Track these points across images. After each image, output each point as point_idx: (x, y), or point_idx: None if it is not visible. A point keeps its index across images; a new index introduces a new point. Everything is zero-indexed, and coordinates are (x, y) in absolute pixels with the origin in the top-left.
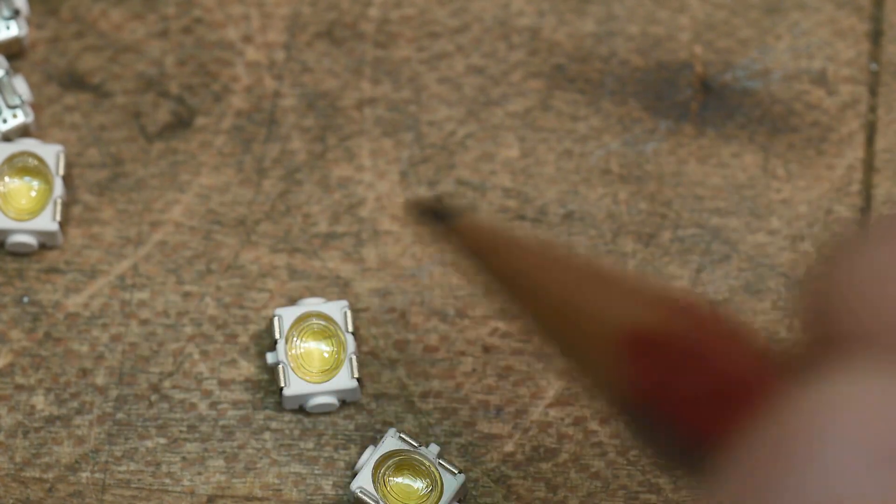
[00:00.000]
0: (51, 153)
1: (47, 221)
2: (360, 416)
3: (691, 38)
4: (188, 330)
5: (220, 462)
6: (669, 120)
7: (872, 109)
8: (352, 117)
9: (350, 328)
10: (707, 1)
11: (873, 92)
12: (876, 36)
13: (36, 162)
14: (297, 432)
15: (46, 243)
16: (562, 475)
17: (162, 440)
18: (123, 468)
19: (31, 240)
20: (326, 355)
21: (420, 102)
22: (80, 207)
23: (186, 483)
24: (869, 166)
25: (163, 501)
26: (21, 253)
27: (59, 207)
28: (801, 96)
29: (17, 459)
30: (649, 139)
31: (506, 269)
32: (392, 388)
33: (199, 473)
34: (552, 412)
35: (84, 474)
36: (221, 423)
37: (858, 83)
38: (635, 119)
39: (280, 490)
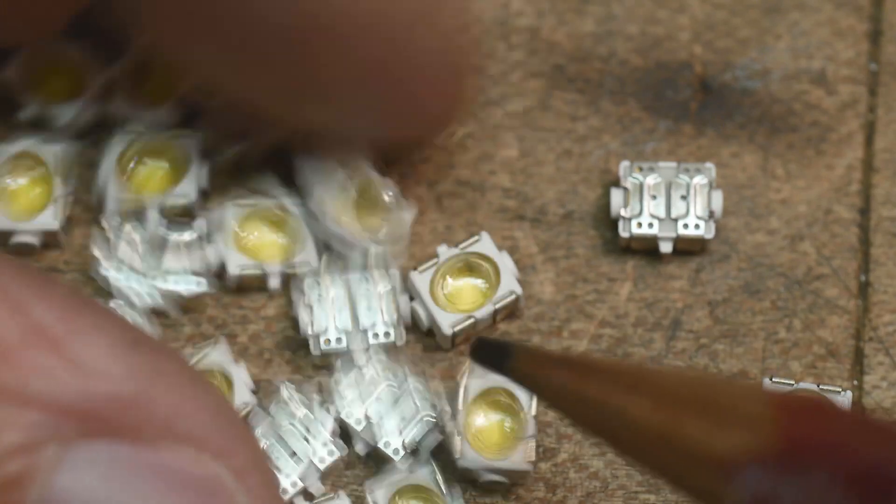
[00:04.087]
0: (49, 153)
1: (49, 220)
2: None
3: (691, 38)
4: (187, 330)
5: None
6: (669, 120)
7: (872, 109)
8: None
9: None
10: (707, 1)
11: (872, 92)
12: (875, 36)
13: (34, 162)
14: None
15: (49, 242)
16: (561, 475)
17: None
18: None
19: (33, 240)
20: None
21: None
22: (81, 207)
23: None
24: (868, 166)
25: None
26: (24, 253)
27: (61, 205)
28: (800, 96)
29: None
30: (649, 139)
31: (580, 400)
32: None
33: None
34: (552, 412)
35: None
36: None
37: (858, 83)
38: (635, 119)
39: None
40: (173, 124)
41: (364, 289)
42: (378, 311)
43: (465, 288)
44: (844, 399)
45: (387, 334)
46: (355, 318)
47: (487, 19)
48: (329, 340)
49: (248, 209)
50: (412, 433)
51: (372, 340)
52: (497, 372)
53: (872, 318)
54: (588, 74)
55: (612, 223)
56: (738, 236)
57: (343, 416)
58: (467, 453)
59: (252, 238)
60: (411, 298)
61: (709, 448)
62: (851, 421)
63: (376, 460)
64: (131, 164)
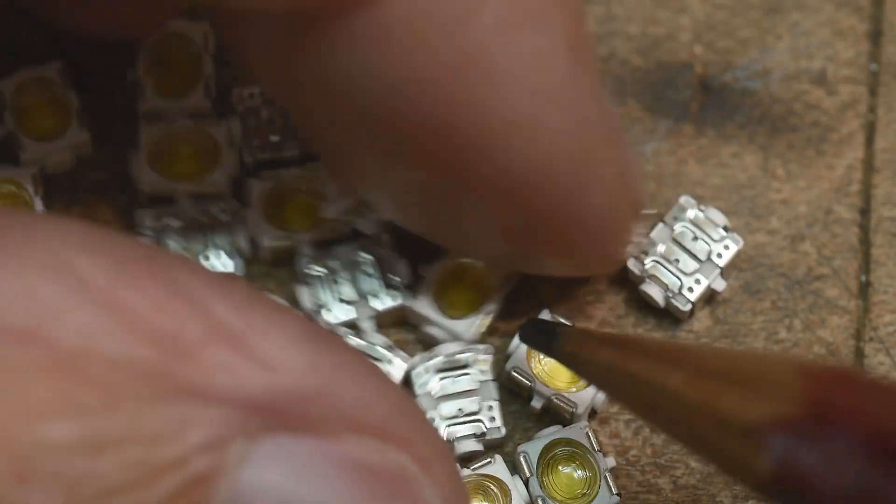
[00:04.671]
0: (27, 177)
1: None
2: None
3: (691, 38)
4: None
5: None
6: (669, 120)
7: (872, 109)
8: None
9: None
10: (707, 1)
11: (873, 92)
12: (876, 36)
13: (13, 187)
14: None
15: None
16: None
17: None
18: None
19: None
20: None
21: None
22: (80, 208)
23: None
24: (869, 166)
25: None
26: None
27: None
28: (800, 96)
29: None
30: (649, 139)
31: (623, 377)
32: None
33: None
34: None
35: None
36: None
37: (858, 83)
38: (635, 119)
39: None
40: (205, 111)
41: (357, 257)
42: (376, 278)
43: (460, 293)
44: None
45: (393, 297)
46: (357, 288)
47: None
48: (337, 316)
49: (275, 182)
50: (455, 428)
51: (377, 305)
52: (545, 353)
53: (873, 318)
54: None
55: None
56: (739, 236)
57: (413, 373)
58: (575, 398)
59: (282, 210)
60: (421, 325)
61: (740, 416)
62: (877, 388)
63: None
64: (162, 153)
